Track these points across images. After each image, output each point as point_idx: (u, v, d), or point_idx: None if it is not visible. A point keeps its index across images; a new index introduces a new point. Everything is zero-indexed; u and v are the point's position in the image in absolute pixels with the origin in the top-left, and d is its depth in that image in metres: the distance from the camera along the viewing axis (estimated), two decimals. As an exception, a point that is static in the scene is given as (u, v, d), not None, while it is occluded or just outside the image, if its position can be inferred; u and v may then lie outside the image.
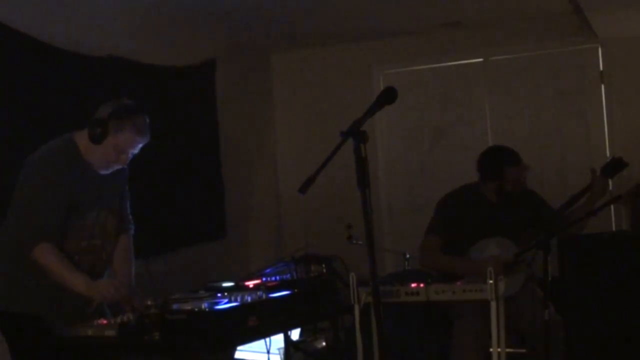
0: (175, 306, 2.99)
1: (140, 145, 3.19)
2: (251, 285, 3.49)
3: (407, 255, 5.32)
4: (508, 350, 3.53)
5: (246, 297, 3.13)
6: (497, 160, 4.08)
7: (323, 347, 4.74)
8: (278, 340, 4.02)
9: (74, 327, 2.97)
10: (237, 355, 4.26)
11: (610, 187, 5.41)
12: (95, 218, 3.20)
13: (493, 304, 3.32)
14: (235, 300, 3.06)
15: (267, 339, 3.83)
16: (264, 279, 3.65)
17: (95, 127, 3.10)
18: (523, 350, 4.12)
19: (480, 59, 6.18)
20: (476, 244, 4.00)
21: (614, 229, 5.59)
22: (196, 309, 2.90)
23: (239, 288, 3.45)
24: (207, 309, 2.90)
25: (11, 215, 3.15)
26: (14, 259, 3.12)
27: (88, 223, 3.18)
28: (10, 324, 3.06)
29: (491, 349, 3.48)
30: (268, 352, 3.91)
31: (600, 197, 4.17)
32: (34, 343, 3.06)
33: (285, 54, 6.60)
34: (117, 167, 3.23)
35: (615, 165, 4.34)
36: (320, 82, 6.56)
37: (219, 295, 3.25)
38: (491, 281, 3.30)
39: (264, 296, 3.20)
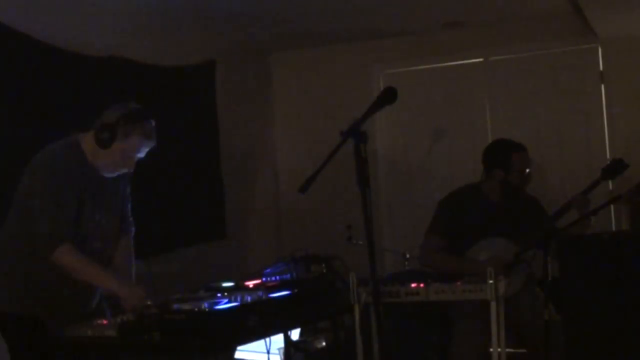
0: (175, 306, 2.99)
1: (147, 150, 3.19)
2: (251, 285, 3.49)
3: (407, 255, 5.33)
4: (508, 350, 3.53)
5: (246, 297, 3.13)
6: (504, 148, 4.12)
7: (323, 347, 4.73)
8: (278, 340, 4.01)
9: (74, 327, 2.97)
10: (237, 355, 4.25)
11: (610, 187, 5.43)
12: (97, 221, 3.20)
13: (493, 304, 3.32)
14: (235, 300, 3.06)
15: (267, 339, 3.83)
16: (264, 279, 3.65)
17: (102, 132, 3.08)
18: (523, 350, 4.11)
19: (481, 59, 6.18)
20: (477, 244, 4.00)
21: (614, 229, 5.59)
22: (196, 309, 2.90)
23: (239, 288, 3.45)
24: (207, 309, 2.90)
25: (18, 217, 3.12)
26: (15, 260, 3.12)
27: (91, 226, 3.17)
28: (10, 325, 3.06)
29: (491, 349, 3.48)
30: (268, 352, 3.89)
31: (583, 212, 4.26)
32: (34, 343, 3.06)
33: (285, 54, 6.60)
34: (123, 171, 3.23)
35: (616, 167, 4.34)
36: (320, 82, 6.55)
37: (219, 295, 3.24)
38: (491, 281, 3.30)
39: (264, 296, 3.20)
